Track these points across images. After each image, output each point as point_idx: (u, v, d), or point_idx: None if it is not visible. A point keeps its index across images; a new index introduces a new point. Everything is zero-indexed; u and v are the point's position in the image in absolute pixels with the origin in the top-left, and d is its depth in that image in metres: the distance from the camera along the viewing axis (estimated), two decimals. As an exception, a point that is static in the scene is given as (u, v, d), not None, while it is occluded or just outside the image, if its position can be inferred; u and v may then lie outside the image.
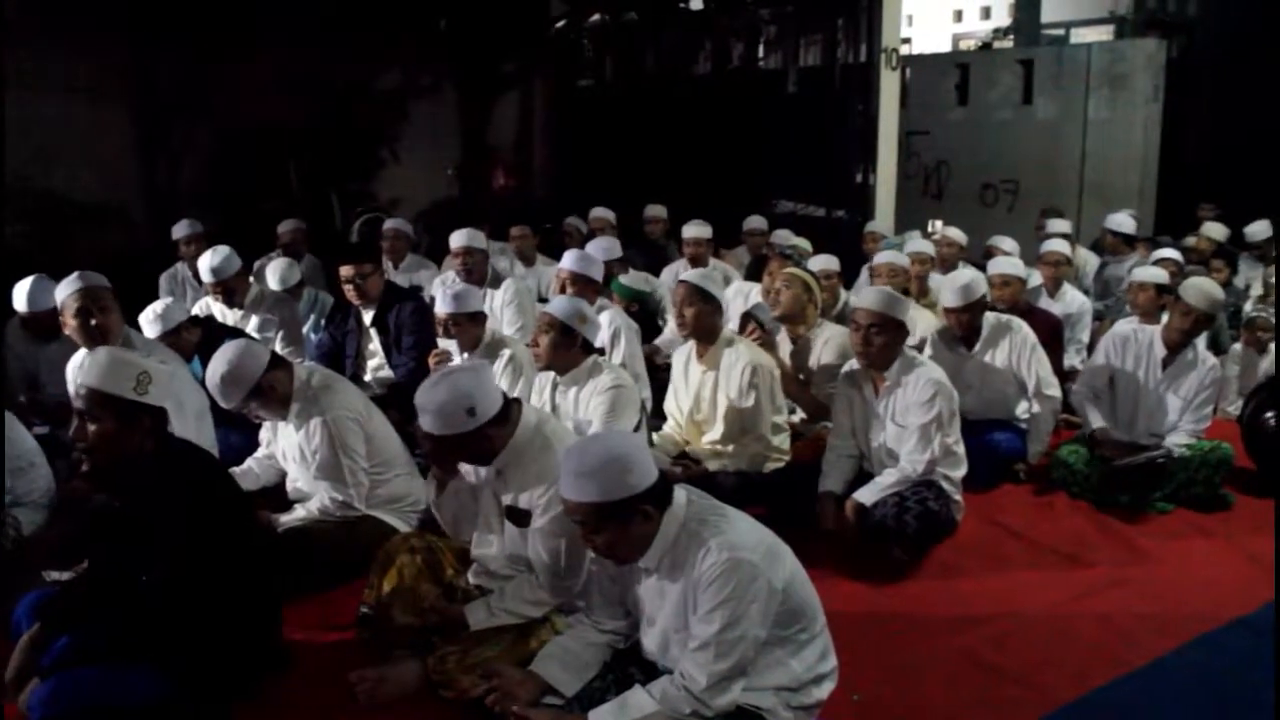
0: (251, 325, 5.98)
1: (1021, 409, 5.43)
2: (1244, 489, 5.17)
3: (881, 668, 3.57)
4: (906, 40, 13.56)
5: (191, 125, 9.60)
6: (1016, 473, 5.36)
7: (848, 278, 7.24)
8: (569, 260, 5.70)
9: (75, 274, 4.65)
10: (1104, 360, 5.30)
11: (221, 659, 3.15)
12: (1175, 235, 9.15)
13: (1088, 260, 8.24)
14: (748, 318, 5.51)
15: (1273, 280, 7.21)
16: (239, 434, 4.79)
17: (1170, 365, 5.10)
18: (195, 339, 5.13)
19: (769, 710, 2.83)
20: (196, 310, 5.92)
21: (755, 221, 8.67)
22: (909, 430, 4.38)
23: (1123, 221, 7.92)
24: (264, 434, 4.57)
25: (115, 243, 8.73)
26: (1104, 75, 10.49)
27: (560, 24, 12.62)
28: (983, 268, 6.39)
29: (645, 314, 6.39)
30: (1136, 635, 3.81)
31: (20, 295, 5.10)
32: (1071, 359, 6.51)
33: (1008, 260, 6.25)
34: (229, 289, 6.01)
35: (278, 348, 5.78)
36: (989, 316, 5.39)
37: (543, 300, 6.67)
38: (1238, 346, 6.53)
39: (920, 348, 5.24)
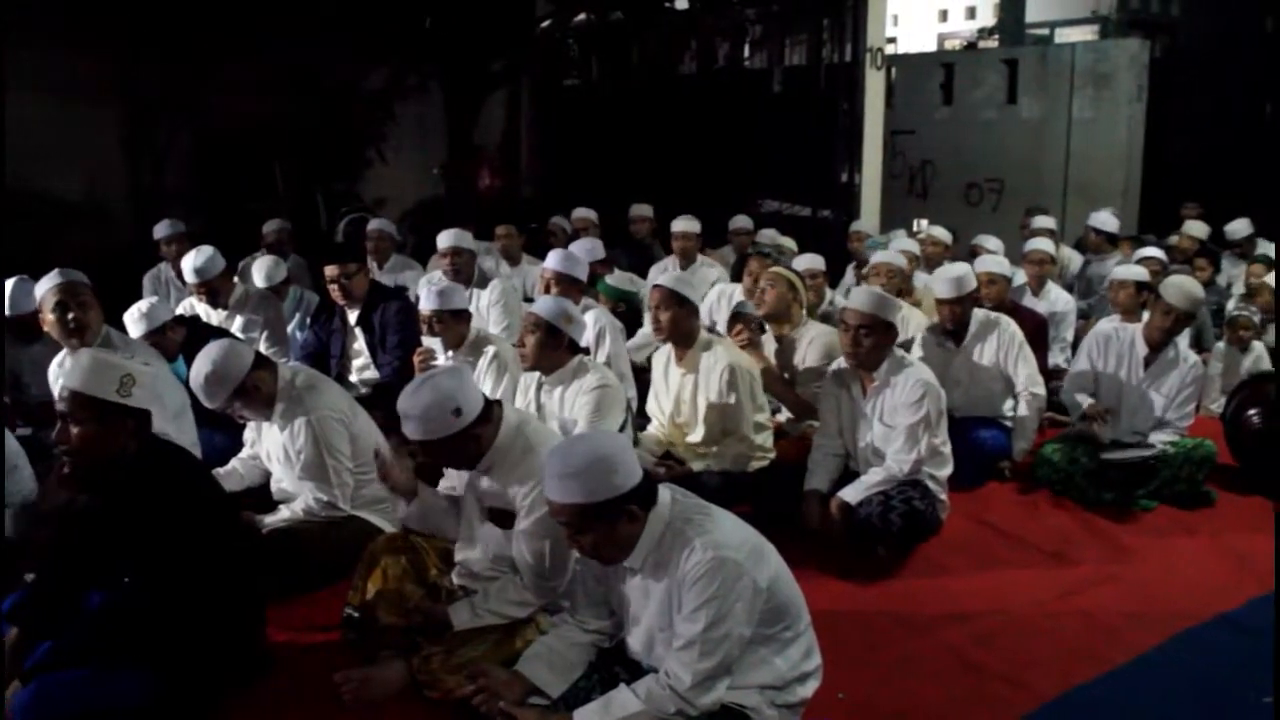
0: (236, 325, 5.96)
1: (1007, 407, 5.45)
2: (1227, 486, 5.20)
3: (867, 666, 3.57)
4: (892, 40, 13.61)
5: (176, 125, 9.55)
6: (1002, 470, 5.37)
7: (833, 277, 7.25)
8: (553, 260, 5.70)
9: (55, 270, 4.64)
10: (1087, 360, 5.31)
11: (206, 661, 3.14)
12: (1159, 234, 9.19)
13: (1071, 258, 8.29)
14: (736, 317, 5.51)
15: (1255, 280, 7.24)
16: (223, 435, 4.76)
17: (1152, 364, 5.12)
18: (180, 338, 5.11)
19: (753, 709, 2.83)
20: (181, 310, 5.89)
21: (741, 221, 8.68)
22: (896, 430, 4.39)
23: (1106, 220, 7.95)
24: (248, 434, 4.55)
25: (100, 243, 8.66)
26: (1088, 75, 10.54)
27: (546, 24, 12.59)
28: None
29: (631, 314, 6.38)
30: (1121, 632, 3.83)
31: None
32: (1056, 357, 6.53)
33: (993, 259, 6.27)
34: (213, 289, 5.98)
35: (262, 348, 5.76)
36: (977, 313, 5.41)
37: (528, 300, 6.66)
38: (1221, 345, 6.56)
39: (908, 346, 5.26)
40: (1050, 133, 10.79)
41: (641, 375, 5.66)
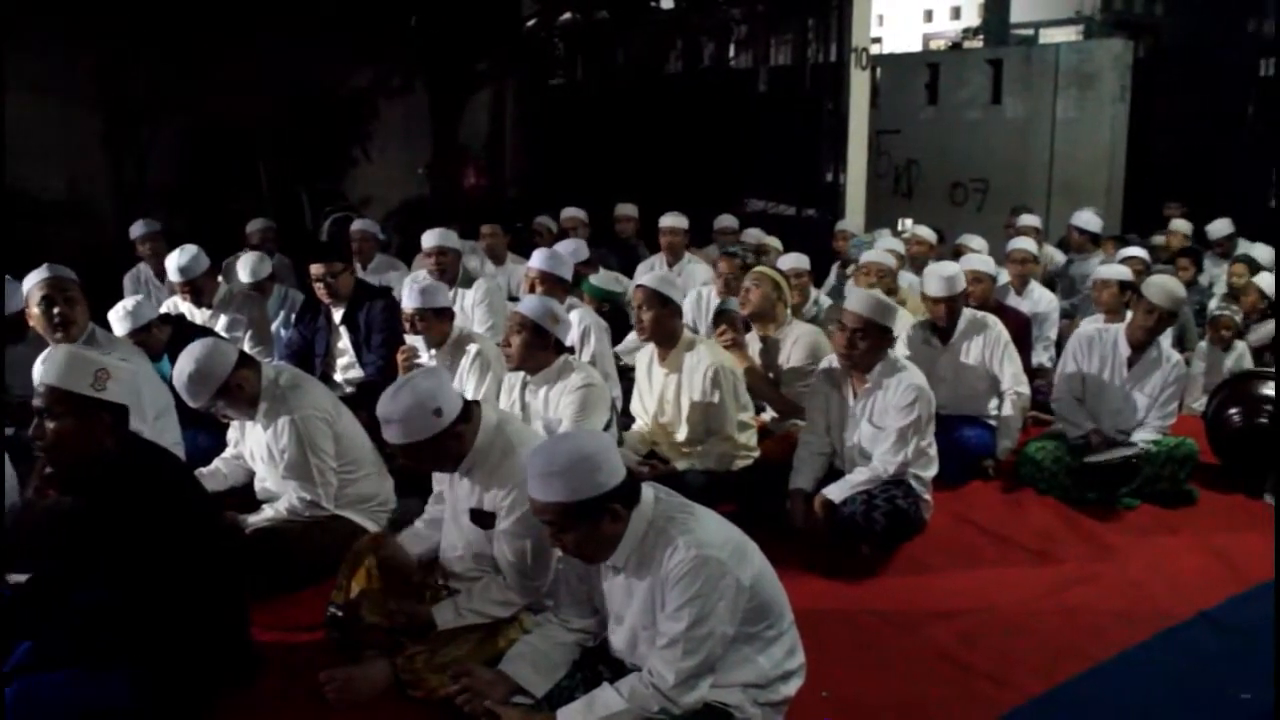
0: (220, 325, 5.94)
1: (991, 406, 5.46)
2: (1208, 485, 5.23)
3: (850, 664, 3.58)
4: (877, 40, 13.64)
5: (160, 124, 9.52)
6: (986, 469, 5.39)
7: (818, 276, 7.26)
8: (538, 259, 5.70)
9: (44, 265, 4.64)
10: (1073, 362, 5.33)
11: (189, 662, 3.12)
12: (1142, 234, 9.23)
13: (1054, 257, 8.32)
14: (721, 316, 5.51)
15: (1237, 280, 7.28)
16: (206, 434, 4.75)
17: (1135, 364, 5.14)
18: (165, 337, 5.09)
19: (736, 707, 2.84)
20: (165, 309, 5.87)
21: (726, 220, 8.69)
22: (885, 432, 4.39)
23: (1089, 219, 7.99)
24: (232, 434, 4.54)
25: (84, 241, 8.64)
26: (1072, 75, 10.59)
27: (531, 23, 12.59)
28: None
29: (616, 313, 6.38)
30: (1103, 630, 3.84)
31: None
32: (1039, 356, 6.55)
33: (978, 258, 6.28)
34: (197, 288, 5.96)
35: (246, 347, 5.74)
36: (965, 312, 5.43)
37: (513, 299, 6.65)
38: (1204, 344, 6.59)
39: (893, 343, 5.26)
40: (1034, 132, 10.84)
41: (626, 375, 5.66)
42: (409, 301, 4.99)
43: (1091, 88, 10.46)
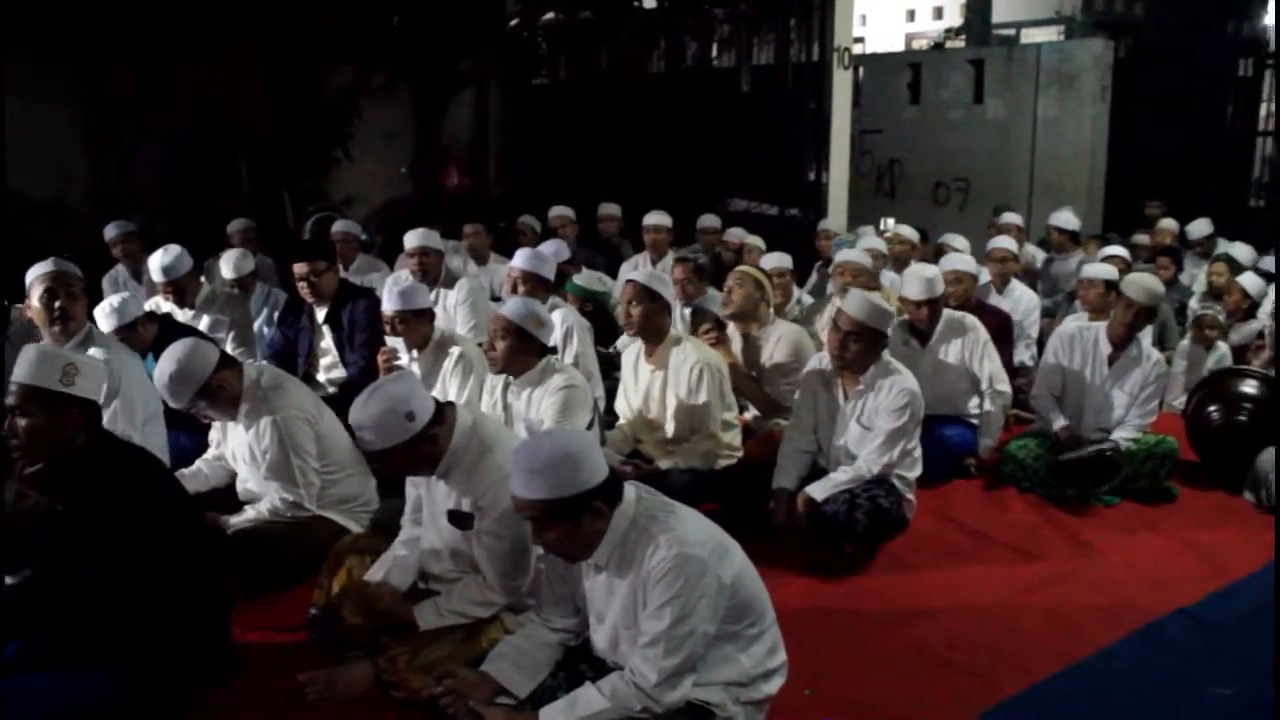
0: (203, 325, 5.91)
1: (972, 404, 5.48)
2: (1188, 482, 5.26)
3: (833, 662, 3.59)
4: (859, 39, 13.67)
5: (141, 124, 9.47)
6: (967, 468, 5.41)
7: (801, 276, 7.27)
8: (520, 259, 5.69)
9: (50, 259, 4.62)
10: (1054, 360, 5.36)
11: (170, 662, 3.12)
12: (1123, 232, 9.28)
13: (1035, 256, 8.36)
14: (700, 315, 5.51)
15: (1216, 279, 7.33)
16: (188, 435, 4.73)
17: (1116, 362, 5.17)
18: (151, 335, 5.07)
19: (718, 705, 2.84)
20: (149, 307, 5.84)
21: (709, 220, 8.70)
22: (874, 433, 4.41)
23: (1068, 219, 8.06)
24: (213, 435, 4.52)
25: (64, 242, 8.57)
26: (1053, 75, 10.63)
27: (515, 22, 12.59)
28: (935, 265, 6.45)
29: (599, 313, 6.38)
30: (1083, 627, 3.86)
31: None
32: (1021, 355, 6.58)
33: (960, 257, 6.30)
34: (180, 288, 5.94)
35: (229, 348, 5.72)
36: (944, 313, 5.44)
37: (496, 299, 6.64)
38: (1185, 343, 6.63)
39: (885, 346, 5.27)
40: (1016, 132, 10.87)
41: (610, 375, 5.66)
42: (389, 304, 4.98)
43: (1072, 87, 10.51)
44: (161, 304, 6.04)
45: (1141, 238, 8.83)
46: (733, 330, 5.46)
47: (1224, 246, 8.08)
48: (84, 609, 3.04)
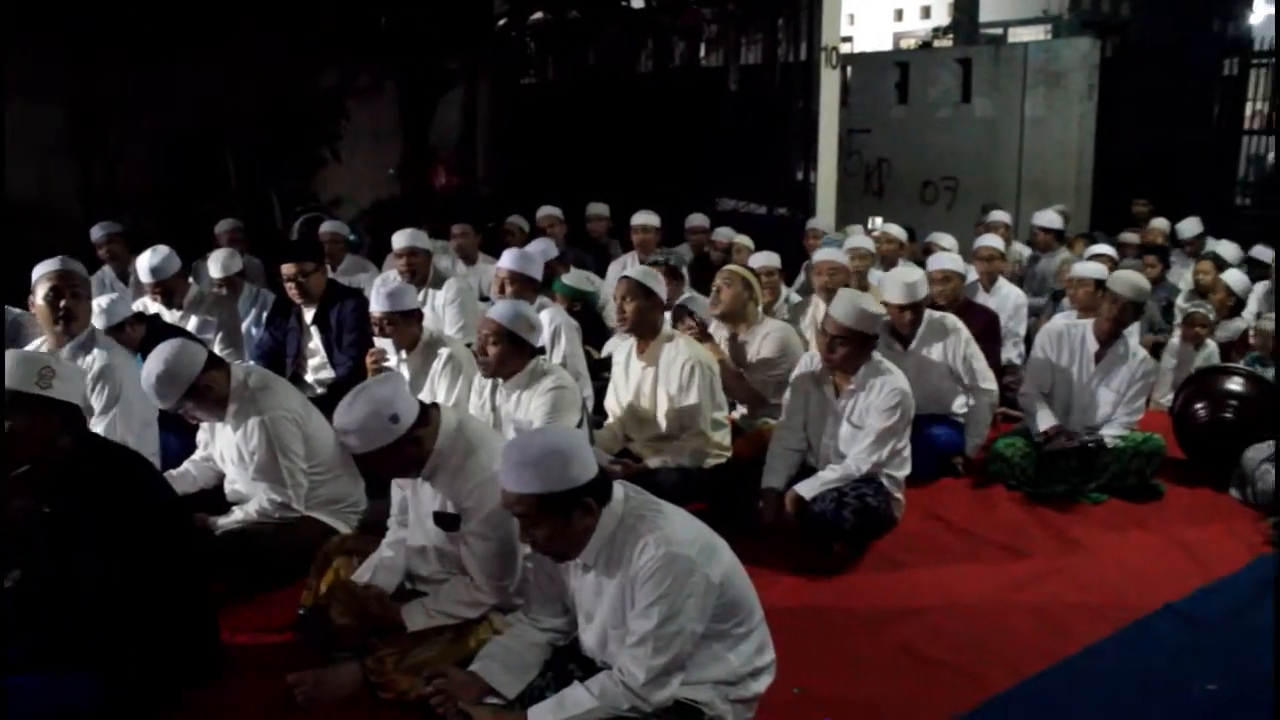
0: (190, 326, 5.89)
1: (959, 403, 5.49)
2: (1175, 479, 5.29)
3: (821, 661, 3.59)
4: (847, 39, 13.68)
5: (129, 124, 9.43)
6: (955, 466, 5.42)
7: (789, 275, 7.28)
8: (508, 259, 5.67)
9: (58, 257, 4.60)
10: (1042, 355, 5.37)
11: (158, 663, 3.11)
12: (1110, 231, 9.32)
13: (1022, 254, 8.39)
14: (681, 312, 5.51)
15: (1203, 277, 7.36)
16: (176, 437, 4.72)
17: (1103, 359, 5.19)
18: (140, 335, 5.06)
19: (707, 704, 2.85)
20: (136, 308, 5.82)
21: (697, 219, 8.69)
22: (864, 432, 4.42)
23: (1051, 219, 8.12)
24: (201, 436, 4.50)
25: (51, 243, 8.52)
26: (1040, 74, 10.67)
27: (503, 22, 12.58)
28: (923, 264, 6.46)
29: (587, 312, 6.38)
30: (1070, 624, 3.88)
31: None
32: (1009, 353, 6.59)
33: (948, 256, 6.31)
34: (168, 289, 5.92)
35: (216, 349, 5.71)
36: (925, 314, 5.44)
37: (484, 299, 6.64)
38: (1175, 340, 6.65)
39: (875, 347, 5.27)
40: (1004, 131, 10.90)
41: (598, 375, 5.66)
42: (376, 306, 4.97)
43: (1059, 86, 10.54)
44: (149, 305, 6.02)
45: (1129, 236, 8.86)
46: (719, 329, 5.46)
47: (1210, 244, 8.12)
48: (71, 611, 3.03)
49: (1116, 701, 3.41)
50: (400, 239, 6.33)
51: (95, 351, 4.42)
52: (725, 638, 2.87)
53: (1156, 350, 6.66)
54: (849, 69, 12.00)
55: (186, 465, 4.52)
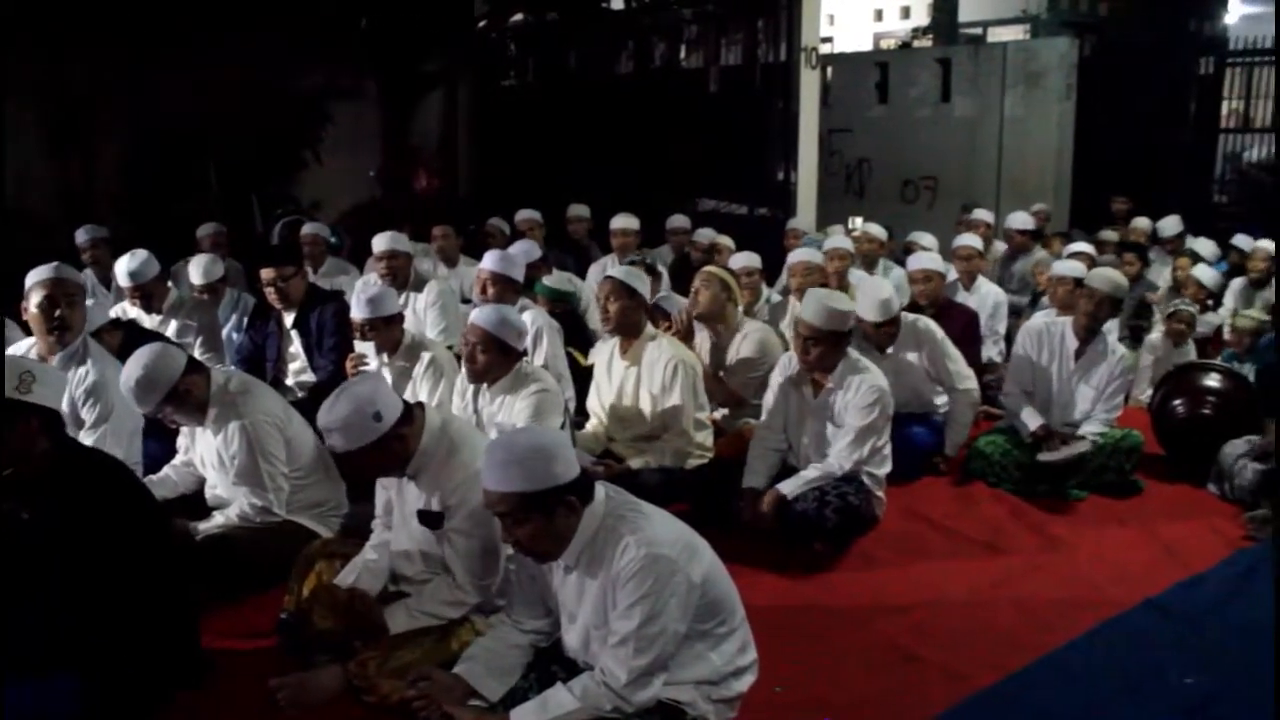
0: (170, 330, 5.86)
1: (940, 401, 5.51)
2: (1154, 475, 5.32)
3: (803, 659, 3.59)
4: (827, 39, 13.72)
5: (108, 128, 9.40)
6: (936, 465, 5.44)
7: (770, 275, 7.30)
8: (490, 261, 5.66)
9: (54, 264, 4.55)
10: (1023, 353, 5.39)
11: (139, 669, 3.10)
12: (1088, 229, 9.37)
13: (1000, 253, 8.44)
14: (655, 311, 5.52)
15: (1181, 273, 7.42)
16: (156, 442, 4.69)
17: (1082, 356, 5.22)
18: (117, 342, 5.02)
19: (689, 704, 2.86)
20: (113, 315, 5.79)
21: (678, 220, 8.70)
22: (844, 430, 4.44)
23: (1025, 220, 8.21)
24: (181, 440, 4.48)
25: (29, 247, 8.48)
26: (1019, 73, 10.72)
27: (483, 24, 12.56)
28: (903, 263, 6.48)
29: (569, 314, 6.38)
30: (1051, 620, 3.89)
31: None
32: (989, 351, 6.62)
33: (928, 255, 6.32)
34: (147, 293, 5.88)
35: (196, 353, 5.68)
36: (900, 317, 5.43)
37: (465, 301, 6.63)
38: (1155, 337, 6.69)
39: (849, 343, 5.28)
40: (983, 130, 10.95)
41: (581, 376, 5.66)
42: (357, 312, 4.94)
43: (1038, 86, 10.59)
44: (128, 309, 5.99)
45: (1108, 234, 8.91)
46: (699, 329, 5.47)
47: (1190, 242, 8.19)
48: (52, 616, 3.02)
49: (1098, 696, 3.42)
50: (381, 242, 6.30)
51: (88, 364, 4.37)
52: (707, 637, 2.87)
53: (1136, 333, 6.75)
54: (829, 69, 12.04)
55: (167, 470, 4.50)
